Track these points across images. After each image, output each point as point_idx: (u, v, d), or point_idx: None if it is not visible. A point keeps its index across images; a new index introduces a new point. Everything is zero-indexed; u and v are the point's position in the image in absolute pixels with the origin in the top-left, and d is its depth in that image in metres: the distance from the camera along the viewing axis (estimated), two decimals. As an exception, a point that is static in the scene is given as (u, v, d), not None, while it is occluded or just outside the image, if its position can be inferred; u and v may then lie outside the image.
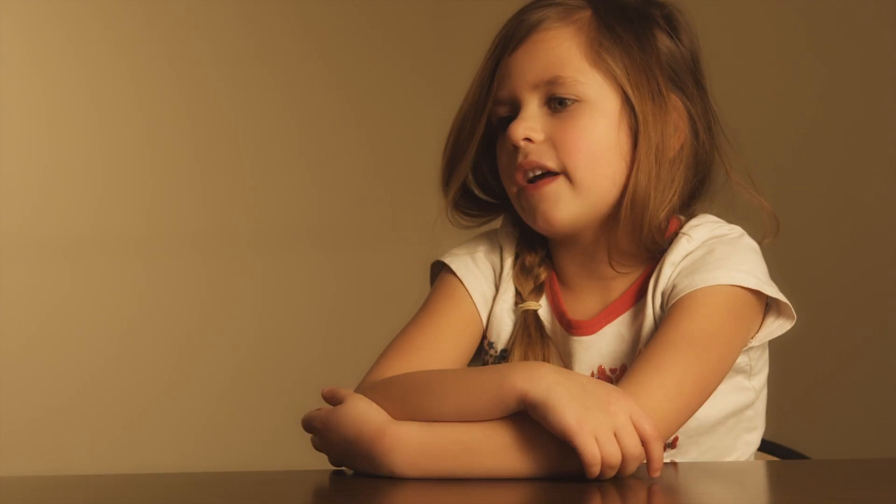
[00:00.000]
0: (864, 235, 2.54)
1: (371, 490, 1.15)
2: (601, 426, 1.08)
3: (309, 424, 1.24)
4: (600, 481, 1.10)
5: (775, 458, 1.45)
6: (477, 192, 1.41)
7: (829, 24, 2.61)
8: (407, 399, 1.18)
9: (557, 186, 1.30)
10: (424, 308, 1.39)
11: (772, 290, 1.29)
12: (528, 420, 1.12)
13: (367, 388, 1.25)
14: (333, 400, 1.24)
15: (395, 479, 1.17)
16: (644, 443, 1.10)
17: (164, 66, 2.98)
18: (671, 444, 1.30)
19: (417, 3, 3.17)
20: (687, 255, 1.30)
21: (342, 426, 1.19)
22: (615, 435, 1.09)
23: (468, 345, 1.38)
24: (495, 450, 1.13)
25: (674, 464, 1.27)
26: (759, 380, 1.36)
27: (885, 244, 2.51)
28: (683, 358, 1.21)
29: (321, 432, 1.22)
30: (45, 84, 2.89)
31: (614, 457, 1.08)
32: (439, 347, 1.34)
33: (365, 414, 1.18)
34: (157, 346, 2.96)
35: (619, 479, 1.11)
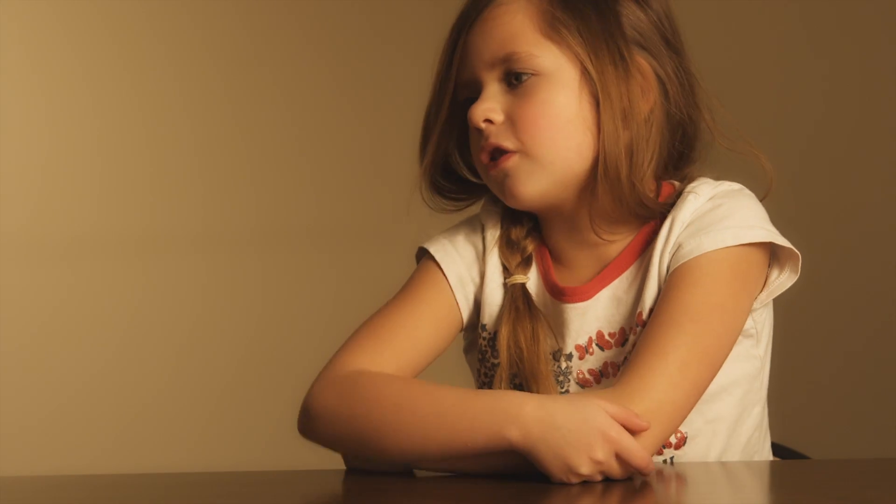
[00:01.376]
0: (864, 236, 2.54)
1: (372, 490, 1.15)
2: (588, 471, 1.10)
3: None
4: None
5: (775, 458, 1.45)
6: (465, 173, 1.38)
7: (830, 23, 2.61)
8: (372, 433, 1.18)
9: (514, 162, 1.29)
10: (401, 292, 1.37)
11: (783, 241, 1.27)
12: None
13: (329, 384, 1.25)
14: None
15: (396, 480, 1.17)
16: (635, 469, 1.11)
17: (164, 66, 2.98)
18: (676, 446, 1.29)
19: (417, 3, 3.16)
20: (694, 211, 1.28)
21: None
22: (602, 471, 1.10)
23: (445, 333, 1.36)
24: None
25: (673, 463, 1.27)
26: (764, 346, 1.33)
27: (886, 244, 2.51)
28: (686, 336, 1.20)
29: None
30: (44, 84, 2.89)
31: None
32: (415, 334, 1.32)
33: None
34: (157, 346, 2.95)
35: (617, 480, 1.11)
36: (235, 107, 3.04)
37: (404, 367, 1.30)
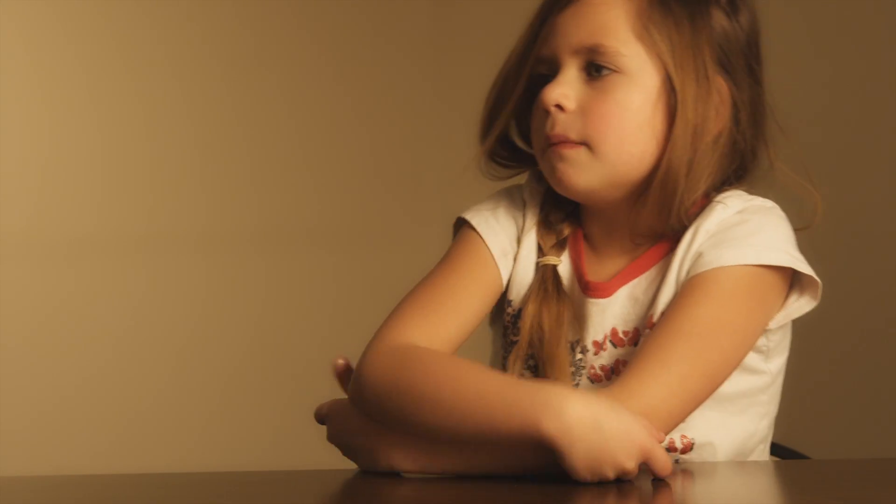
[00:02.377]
0: (864, 235, 2.54)
1: (373, 489, 1.15)
2: (609, 473, 1.09)
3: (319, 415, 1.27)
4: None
5: (775, 458, 1.45)
6: (519, 142, 1.37)
7: (832, 23, 2.61)
8: (412, 406, 1.18)
9: (577, 152, 1.28)
10: (444, 263, 1.36)
11: (805, 267, 1.26)
12: None
13: (381, 355, 1.24)
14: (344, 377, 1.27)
15: (397, 479, 1.17)
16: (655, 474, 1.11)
17: (164, 66, 2.98)
18: (682, 451, 1.28)
19: (417, 3, 3.16)
20: (720, 222, 1.27)
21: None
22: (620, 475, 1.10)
23: (489, 301, 1.35)
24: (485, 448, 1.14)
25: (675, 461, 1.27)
26: (777, 363, 1.33)
27: (885, 244, 2.51)
28: (690, 350, 1.20)
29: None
30: (45, 84, 2.89)
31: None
32: (460, 305, 1.31)
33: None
34: (158, 346, 2.96)
35: (617, 479, 1.11)
36: (236, 107, 3.04)
37: (453, 337, 1.29)
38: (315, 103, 3.10)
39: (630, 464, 1.09)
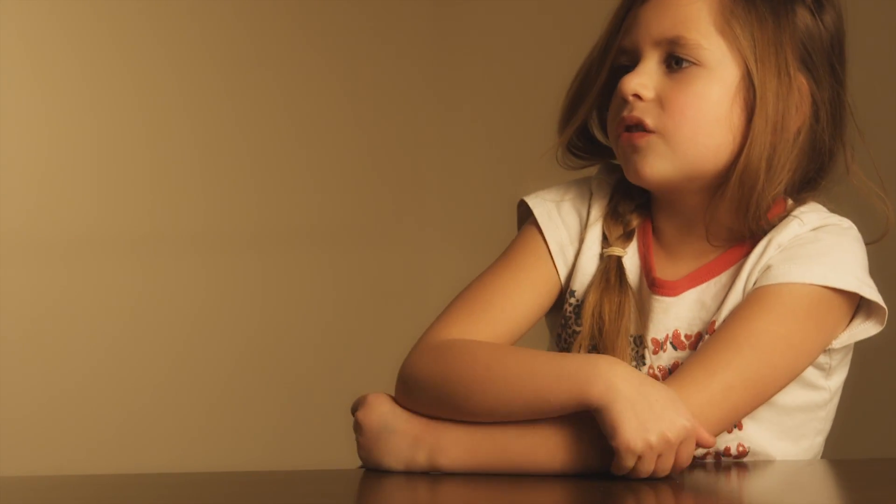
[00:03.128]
0: (862, 228, 2.53)
1: (374, 488, 1.15)
2: (648, 450, 1.11)
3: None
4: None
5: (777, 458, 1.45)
6: (597, 134, 1.37)
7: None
8: (463, 389, 1.19)
9: (649, 141, 1.27)
10: (502, 258, 1.36)
11: (872, 293, 1.26)
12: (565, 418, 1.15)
13: (423, 352, 1.25)
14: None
15: (397, 479, 1.17)
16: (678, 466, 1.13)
17: (164, 66, 2.98)
18: (735, 457, 1.29)
19: (417, 3, 3.16)
20: (794, 238, 1.27)
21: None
22: (659, 455, 1.11)
23: (544, 300, 1.35)
24: (533, 448, 1.16)
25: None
26: (836, 380, 1.32)
27: (886, 244, 2.51)
28: (740, 361, 1.20)
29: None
30: (44, 84, 2.89)
31: (643, 473, 1.12)
32: (511, 303, 1.32)
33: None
34: (157, 346, 2.95)
35: (617, 477, 1.12)
36: (235, 106, 3.04)
37: (500, 336, 1.30)
38: (315, 103, 3.09)
39: (672, 433, 1.11)
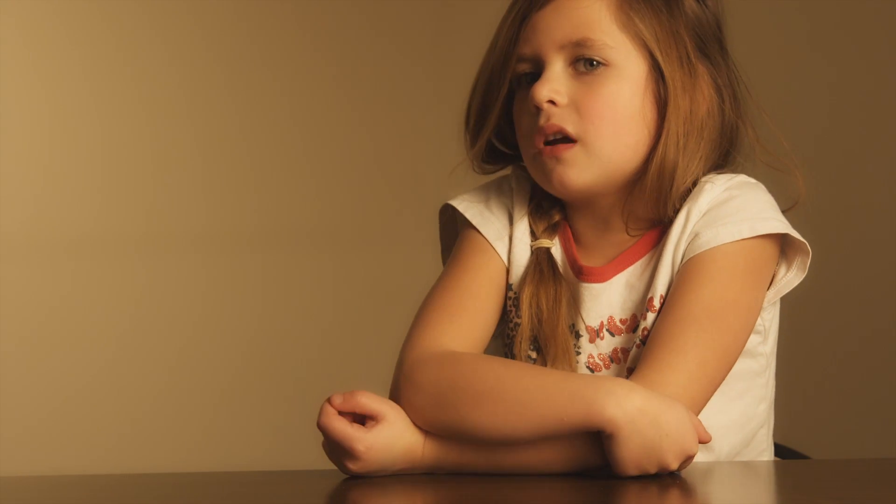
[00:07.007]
0: (864, 235, 2.54)
1: (374, 489, 1.15)
2: (651, 469, 1.12)
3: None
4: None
5: (776, 459, 1.45)
6: (499, 146, 1.38)
7: (833, 23, 2.61)
8: (471, 404, 1.18)
9: (574, 153, 1.28)
10: (454, 265, 1.36)
11: (796, 233, 1.28)
12: None
13: (425, 362, 1.23)
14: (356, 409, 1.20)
15: (399, 478, 1.17)
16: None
17: (165, 65, 2.98)
18: None
19: (417, 3, 3.16)
20: (711, 200, 1.29)
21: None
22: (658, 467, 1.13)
23: (503, 294, 1.36)
24: (533, 447, 1.16)
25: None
26: (770, 344, 1.34)
27: (885, 243, 2.51)
28: (705, 334, 1.21)
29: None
30: (45, 84, 2.89)
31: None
32: (480, 304, 1.32)
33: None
34: (158, 346, 2.96)
35: (616, 478, 1.12)
36: (236, 106, 3.04)
37: (481, 337, 1.31)
38: (315, 103, 3.10)
39: (673, 465, 1.12)
